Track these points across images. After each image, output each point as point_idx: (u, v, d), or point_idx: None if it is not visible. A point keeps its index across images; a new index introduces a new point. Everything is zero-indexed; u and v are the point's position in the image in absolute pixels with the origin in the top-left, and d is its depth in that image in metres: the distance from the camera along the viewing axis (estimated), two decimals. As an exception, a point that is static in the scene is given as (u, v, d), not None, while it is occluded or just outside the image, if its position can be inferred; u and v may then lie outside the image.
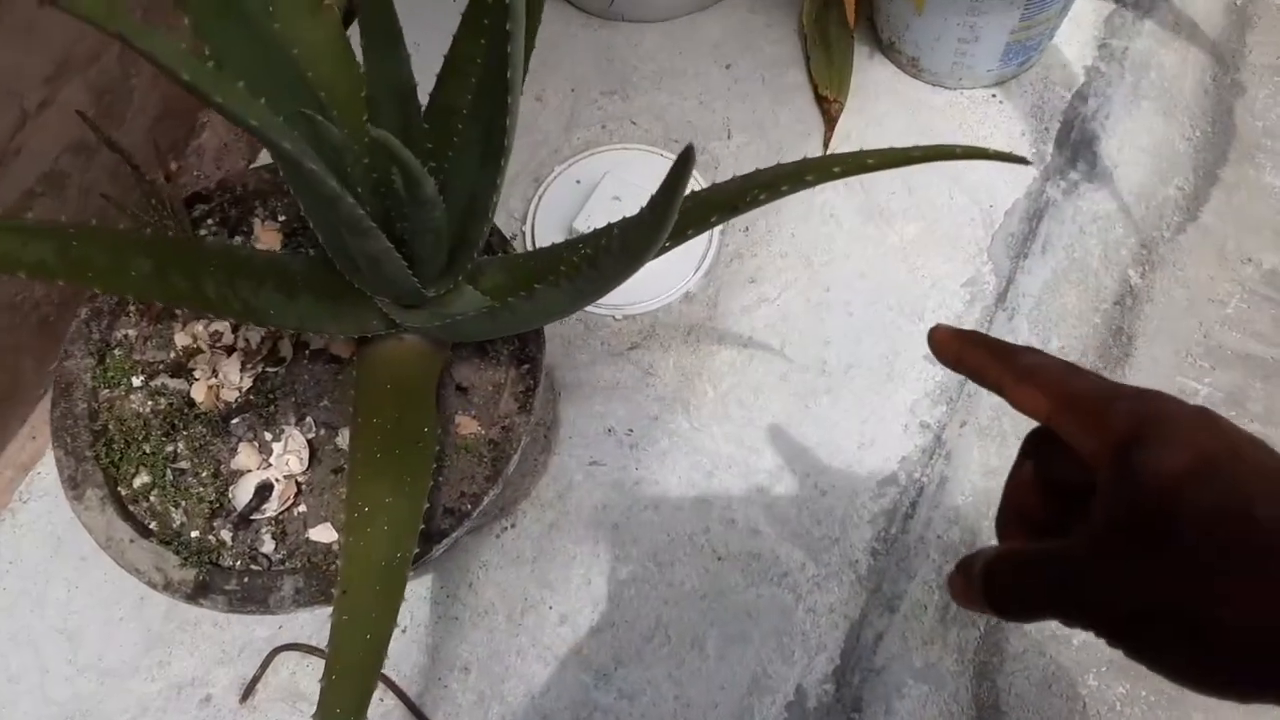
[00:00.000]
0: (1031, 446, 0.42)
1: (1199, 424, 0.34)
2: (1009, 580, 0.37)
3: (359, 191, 0.54)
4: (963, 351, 0.42)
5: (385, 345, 0.67)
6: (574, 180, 1.03)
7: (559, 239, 1.00)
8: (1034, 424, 0.40)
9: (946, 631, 0.85)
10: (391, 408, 0.65)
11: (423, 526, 0.67)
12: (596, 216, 0.98)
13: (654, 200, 0.44)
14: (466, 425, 0.71)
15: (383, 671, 0.85)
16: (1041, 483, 0.41)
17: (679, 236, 0.59)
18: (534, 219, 1.01)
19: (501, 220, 1.03)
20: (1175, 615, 0.31)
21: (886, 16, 1.02)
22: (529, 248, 1.01)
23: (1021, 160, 0.53)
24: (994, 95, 1.03)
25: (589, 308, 0.97)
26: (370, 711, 0.83)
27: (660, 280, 0.98)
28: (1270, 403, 0.90)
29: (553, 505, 0.90)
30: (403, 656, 0.85)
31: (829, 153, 1.02)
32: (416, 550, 0.66)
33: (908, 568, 0.87)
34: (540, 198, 1.02)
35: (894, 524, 0.88)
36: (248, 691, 0.85)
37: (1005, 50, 0.97)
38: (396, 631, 0.86)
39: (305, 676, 0.85)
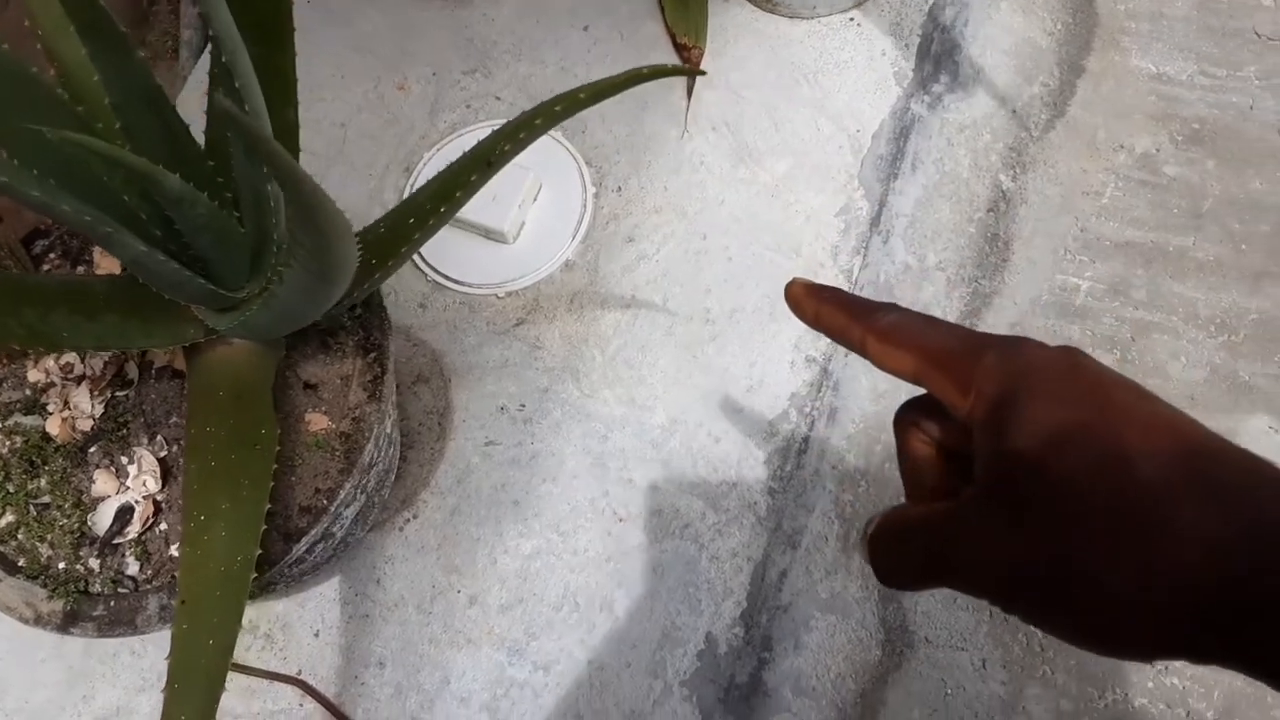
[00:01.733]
0: (914, 413, 0.39)
1: (1066, 373, 0.32)
2: (890, 547, 0.36)
3: (126, 200, 0.54)
4: (820, 310, 0.39)
5: (215, 352, 0.67)
6: (445, 164, 1.02)
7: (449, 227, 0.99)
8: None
9: (849, 560, 0.84)
10: (226, 414, 0.65)
11: (280, 527, 0.68)
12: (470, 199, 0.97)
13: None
14: (316, 421, 0.71)
15: (299, 677, 0.86)
16: (935, 447, 0.39)
17: (452, 197, 0.58)
18: (407, 209, 1.01)
19: (377, 213, 1.03)
20: (1058, 580, 0.30)
21: (730, -45, 1.01)
22: (406, 238, 1.00)
23: (697, 73, 0.52)
24: (852, 19, 1.02)
25: (469, 288, 0.97)
26: (291, 716, 0.84)
27: (538, 252, 0.98)
28: (1153, 288, 0.88)
29: (452, 491, 0.90)
30: (318, 659, 0.86)
31: (689, 111, 1.01)
32: (277, 551, 0.67)
33: (805, 502, 0.86)
34: (412, 186, 1.02)
35: (788, 461, 0.88)
36: None
37: (851, -29, 0.96)
38: (309, 636, 0.87)
39: (227, 693, 0.86)
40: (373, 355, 0.73)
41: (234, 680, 0.86)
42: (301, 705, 0.85)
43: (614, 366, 0.93)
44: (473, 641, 0.85)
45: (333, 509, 0.69)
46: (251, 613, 0.88)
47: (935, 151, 0.95)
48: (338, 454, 0.70)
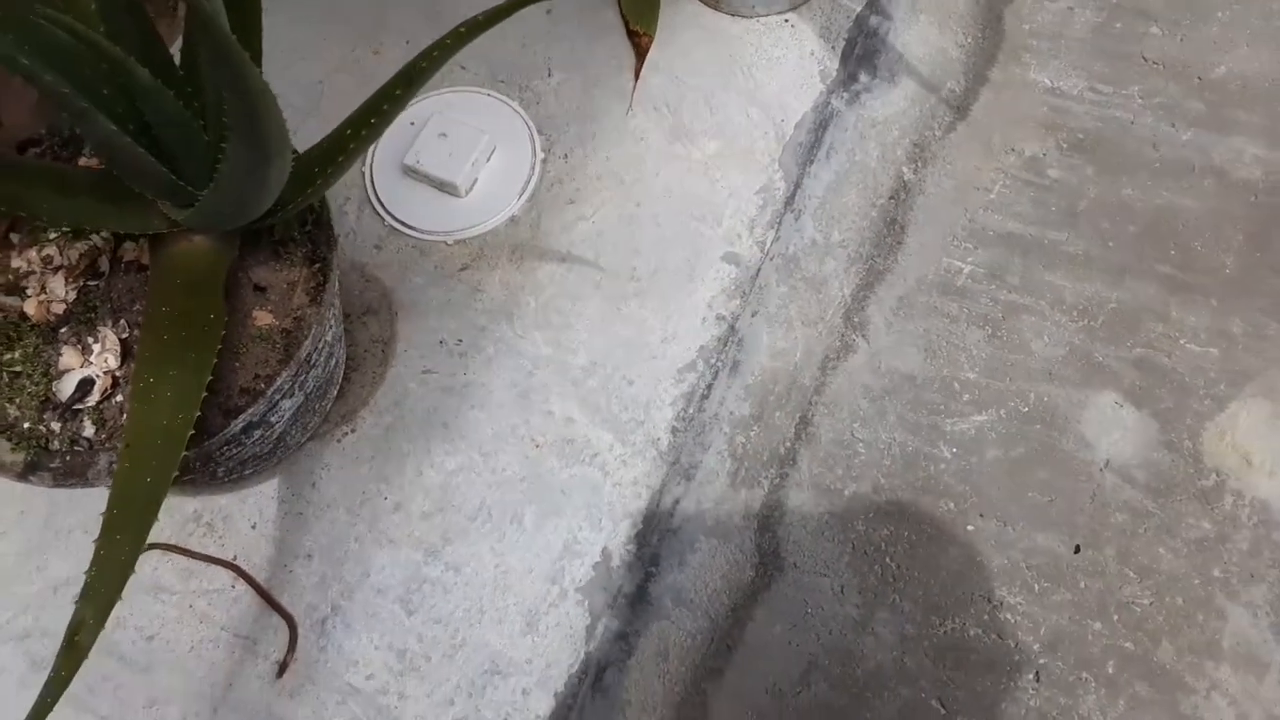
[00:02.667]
0: None
1: None
2: None
3: (105, 92, 0.64)
4: None
5: (176, 246, 0.77)
6: (408, 122, 1.12)
7: (395, 175, 1.10)
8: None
9: (735, 493, 0.94)
10: (180, 297, 0.75)
11: (222, 404, 0.77)
12: (425, 151, 1.08)
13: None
14: (262, 318, 0.81)
15: (234, 562, 0.96)
16: None
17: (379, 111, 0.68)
18: (372, 158, 1.11)
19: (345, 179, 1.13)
20: None
21: (681, -46, 1.11)
22: (371, 183, 1.10)
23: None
24: (787, 20, 1.13)
25: (422, 234, 1.07)
26: (222, 598, 0.93)
27: (486, 206, 1.08)
28: (1026, 275, 0.99)
29: (389, 411, 1.00)
30: (252, 549, 0.95)
31: (636, 91, 1.11)
32: (216, 424, 0.76)
33: (703, 441, 0.96)
34: (378, 140, 1.12)
35: (692, 404, 0.98)
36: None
37: (786, -25, 1.07)
38: (246, 527, 0.96)
39: (167, 572, 0.95)
40: (318, 266, 0.83)
41: (173, 561, 0.95)
42: (234, 587, 0.94)
43: (545, 312, 1.03)
44: (394, 542, 0.94)
45: (269, 393, 0.79)
46: (195, 504, 0.97)
47: (849, 143, 1.06)
48: (278, 347, 0.80)
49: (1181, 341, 0.95)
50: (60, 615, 0.93)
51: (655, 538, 0.93)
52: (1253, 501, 0.89)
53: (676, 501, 0.95)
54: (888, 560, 0.91)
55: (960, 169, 1.04)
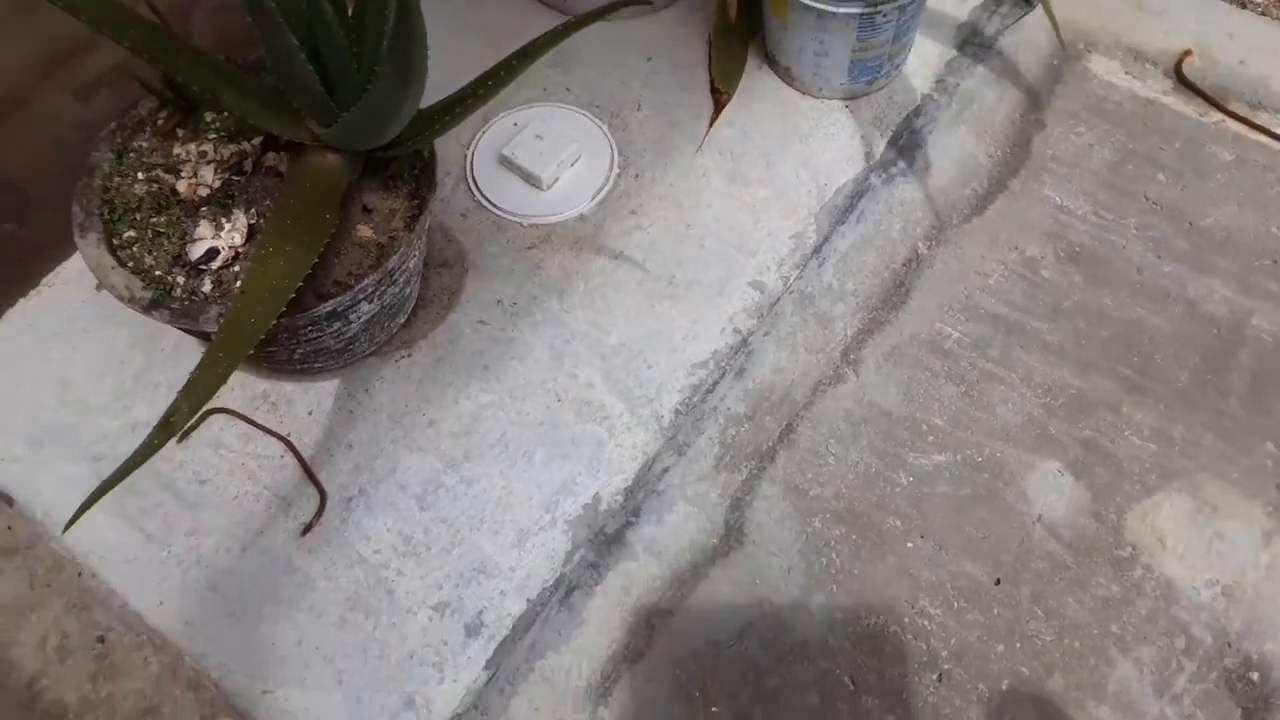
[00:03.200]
0: None
1: None
2: None
3: (293, 20, 0.83)
4: None
5: (311, 157, 0.96)
6: (512, 123, 1.32)
7: (492, 161, 1.29)
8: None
9: (717, 474, 1.09)
10: (306, 197, 0.93)
11: (317, 289, 0.95)
12: (521, 147, 1.27)
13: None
14: (363, 232, 0.99)
15: (287, 437, 1.12)
16: None
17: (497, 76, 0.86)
18: (476, 145, 1.30)
19: (450, 146, 1.32)
20: None
21: (769, 33, 1.31)
22: (470, 164, 1.29)
23: (643, 1, 0.78)
24: (846, 106, 1.31)
25: (502, 213, 1.25)
26: (270, 464, 1.09)
27: (562, 202, 1.26)
28: (1005, 351, 1.14)
29: (443, 347, 1.17)
30: (304, 430, 1.11)
31: (711, 129, 1.30)
32: (310, 302, 0.93)
33: (700, 426, 1.12)
34: (484, 131, 1.32)
35: (697, 395, 1.13)
36: (183, 436, 1.11)
37: (851, 67, 1.25)
38: (303, 412, 1.13)
39: (230, 434, 1.12)
40: (417, 202, 1.02)
41: (237, 425, 1.11)
42: (282, 458, 1.10)
43: (590, 296, 1.20)
44: (422, 450, 1.10)
45: (355, 290, 0.96)
46: (265, 385, 1.14)
47: (878, 214, 1.23)
48: (371, 256, 0.98)
49: (1126, 433, 1.09)
50: (129, 452, 1.10)
51: (641, 495, 1.08)
52: (1159, 577, 1.02)
53: (666, 470, 1.09)
54: (833, 555, 1.04)
55: (968, 254, 1.21)
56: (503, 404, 1.13)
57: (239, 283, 0.96)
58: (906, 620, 1.01)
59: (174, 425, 0.80)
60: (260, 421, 1.12)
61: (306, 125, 0.93)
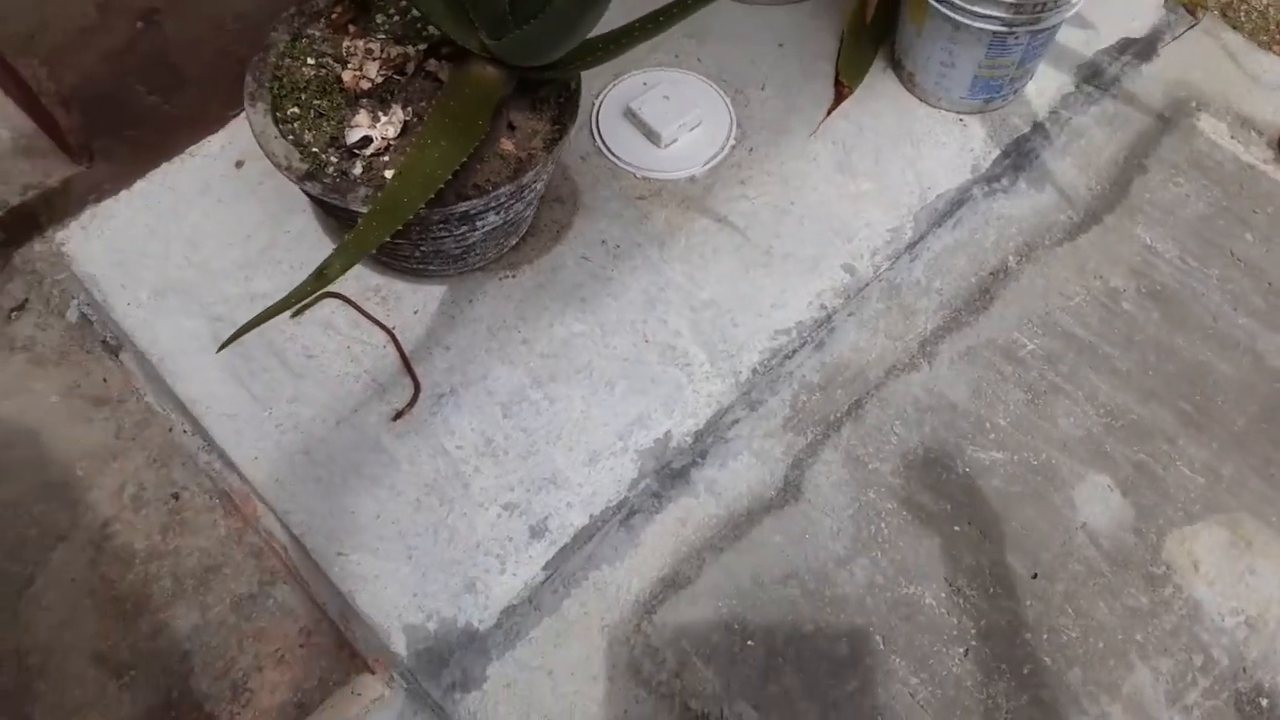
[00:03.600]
0: None
1: None
2: None
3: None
4: None
5: (473, 67, 1.03)
6: (641, 81, 1.39)
7: (617, 114, 1.36)
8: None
9: (784, 434, 1.15)
10: (464, 102, 1.00)
11: (457, 189, 1.02)
12: (648, 104, 1.34)
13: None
14: (506, 145, 1.06)
15: (391, 330, 1.19)
16: None
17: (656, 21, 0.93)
18: (605, 97, 1.38)
19: (583, 94, 1.40)
20: None
21: (900, 38, 1.37)
22: (596, 114, 1.37)
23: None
24: (961, 119, 1.37)
25: (620, 162, 1.32)
26: (373, 351, 1.17)
27: (677, 161, 1.33)
28: (1075, 369, 1.19)
29: (545, 274, 1.24)
30: (408, 326, 1.19)
31: (828, 118, 1.37)
32: (450, 199, 1.01)
33: (773, 387, 1.18)
34: (614, 85, 1.39)
35: (775, 358, 1.19)
36: (297, 313, 1.19)
37: (974, 82, 1.31)
38: (410, 310, 1.20)
39: (341, 318, 1.19)
40: (557, 128, 1.09)
41: (348, 311, 1.19)
42: (384, 348, 1.18)
43: (689, 252, 1.26)
44: (513, 364, 1.17)
45: (491, 195, 1.03)
46: (379, 280, 1.22)
47: (974, 222, 1.29)
48: (509, 168, 1.05)
49: (1178, 463, 1.14)
50: (245, 318, 1.18)
51: (709, 439, 1.14)
52: (1188, 598, 1.07)
53: (736, 421, 1.16)
54: (881, 525, 1.10)
55: (1054, 275, 1.26)
56: (593, 335, 1.20)
57: (388, 171, 1.04)
58: (943, 595, 1.06)
59: (326, 277, 0.88)
60: (370, 311, 1.20)
61: (478, 35, 1.01)
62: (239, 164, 1.29)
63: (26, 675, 1.24)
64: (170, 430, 1.31)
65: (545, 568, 1.06)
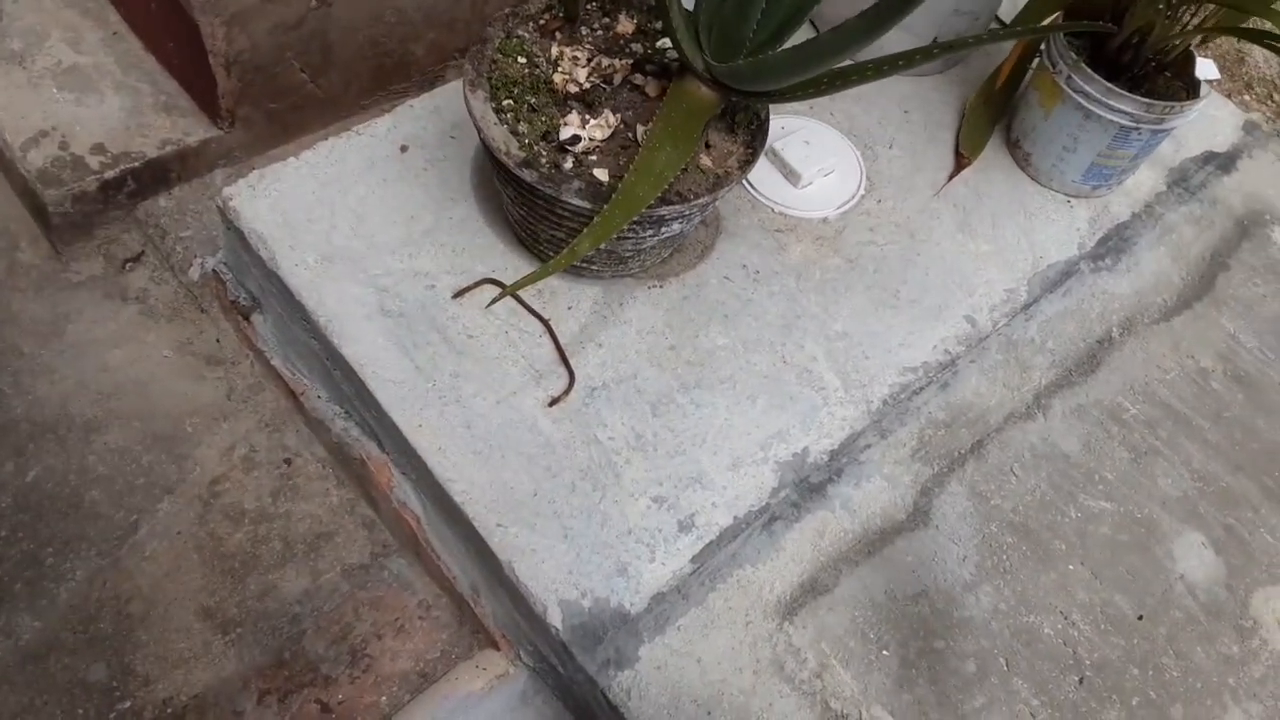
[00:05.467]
0: None
1: None
2: None
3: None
4: None
5: (689, 84, 1.11)
6: (780, 126, 1.48)
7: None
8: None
9: (912, 464, 1.23)
10: (681, 112, 1.08)
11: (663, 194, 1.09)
12: (789, 147, 1.43)
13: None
14: (705, 161, 1.14)
15: (548, 321, 1.24)
16: None
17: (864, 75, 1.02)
18: (746, 134, 1.46)
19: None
20: None
21: (1021, 119, 1.49)
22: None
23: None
24: (1068, 202, 1.49)
25: (760, 196, 1.40)
26: (530, 339, 1.22)
27: (811, 202, 1.41)
28: (1172, 436, 1.30)
29: (690, 288, 1.31)
30: (561, 320, 1.24)
31: (949, 182, 1.47)
32: (654, 202, 1.07)
33: (902, 419, 1.25)
34: (755, 125, 1.48)
35: (904, 392, 1.27)
36: (458, 294, 1.24)
37: (1089, 169, 1.43)
38: (565, 310, 1.25)
39: (500, 305, 1.24)
40: (749, 151, 1.16)
41: (508, 301, 1.23)
42: (540, 337, 1.22)
43: (823, 286, 1.34)
44: (660, 367, 1.23)
45: (693, 202, 1.10)
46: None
47: (1081, 294, 1.39)
48: (708, 180, 1.12)
49: (1261, 530, 1.24)
50: (410, 292, 1.22)
51: (844, 459, 1.21)
52: (1273, 651, 1.16)
53: (868, 446, 1.23)
54: (1003, 557, 1.17)
55: (1152, 350, 1.37)
56: (735, 349, 1.27)
57: (597, 170, 1.10)
58: (1060, 626, 1.14)
59: (576, 251, 0.94)
60: (528, 302, 1.25)
61: (703, 56, 1.08)
62: (404, 148, 1.34)
63: (127, 622, 1.23)
64: (301, 395, 1.33)
65: (693, 560, 1.11)
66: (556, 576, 1.08)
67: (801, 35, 1.09)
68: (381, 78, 1.61)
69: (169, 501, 1.32)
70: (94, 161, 1.41)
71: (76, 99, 1.47)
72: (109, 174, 1.41)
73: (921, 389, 1.28)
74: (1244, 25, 1.33)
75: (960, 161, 1.50)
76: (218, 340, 1.46)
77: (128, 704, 1.16)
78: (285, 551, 1.30)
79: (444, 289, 1.24)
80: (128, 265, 1.50)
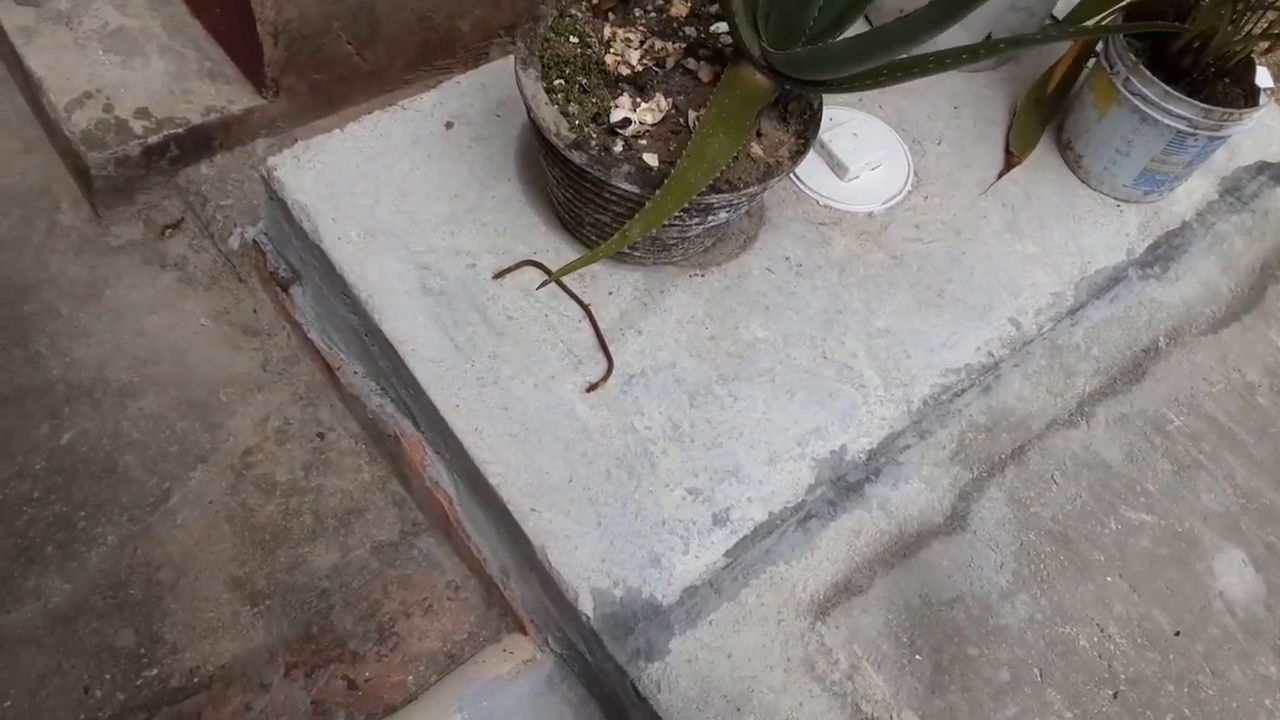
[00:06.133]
0: None
1: None
2: None
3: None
4: None
5: (743, 71, 1.09)
6: (829, 118, 1.46)
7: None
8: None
9: (951, 467, 1.21)
10: (736, 99, 1.06)
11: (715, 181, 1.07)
12: (838, 138, 1.41)
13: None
14: (755, 150, 1.12)
15: (588, 306, 1.23)
16: None
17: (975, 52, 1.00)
18: (794, 124, 1.44)
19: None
20: None
21: (1074, 119, 1.46)
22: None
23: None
24: (1118, 206, 1.46)
25: (806, 188, 1.38)
26: (570, 324, 1.21)
27: (857, 195, 1.39)
28: (1216, 449, 1.27)
29: (732, 279, 1.29)
30: (602, 305, 1.23)
31: (998, 180, 1.45)
32: (707, 189, 1.05)
33: (942, 420, 1.24)
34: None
35: (945, 394, 1.25)
36: (499, 274, 1.22)
37: (1141, 174, 1.40)
38: (605, 296, 1.24)
39: (535, 282, 1.23)
40: (801, 141, 1.15)
41: (550, 289, 1.22)
42: (580, 322, 1.21)
43: (865, 282, 1.32)
44: (699, 357, 1.22)
45: (742, 191, 1.08)
46: (577, 256, 1.25)
47: (1129, 301, 1.37)
48: (757, 172, 1.11)
49: (1305, 552, 1.22)
50: (451, 270, 1.21)
51: (882, 459, 1.20)
52: (1313, 676, 1.14)
53: (907, 447, 1.21)
54: (1041, 566, 1.16)
55: (1198, 362, 1.34)
56: (775, 343, 1.25)
57: (647, 154, 1.08)
58: (1095, 639, 1.12)
59: (627, 237, 0.93)
60: (568, 285, 1.24)
61: (760, 43, 1.06)
62: (449, 125, 1.33)
63: (156, 589, 1.23)
64: (337, 369, 1.32)
65: (726, 555, 1.10)
66: (589, 564, 1.07)
67: (854, 29, 1.08)
68: (427, 52, 1.59)
69: (202, 470, 1.32)
70: (138, 126, 1.41)
71: (122, 62, 1.47)
72: (152, 139, 1.41)
73: (963, 391, 1.26)
74: (1311, 33, 1.30)
75: (1010, 160, 1.47)
76: (255, 311, 1.46)
77: (155, 670, 1.16)
78: (316, 525, 1.30)
79: (485, 269, 1.23)
80: (167, 231, 1.50)
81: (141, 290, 1.42)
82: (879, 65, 1.04)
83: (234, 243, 1.46)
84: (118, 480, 1.27)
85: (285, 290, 1.38)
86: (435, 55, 1.61)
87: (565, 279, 1.23)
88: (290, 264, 1.36)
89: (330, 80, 1.53)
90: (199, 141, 1.48)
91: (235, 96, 1.49)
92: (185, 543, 1.27)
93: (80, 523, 1.23)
